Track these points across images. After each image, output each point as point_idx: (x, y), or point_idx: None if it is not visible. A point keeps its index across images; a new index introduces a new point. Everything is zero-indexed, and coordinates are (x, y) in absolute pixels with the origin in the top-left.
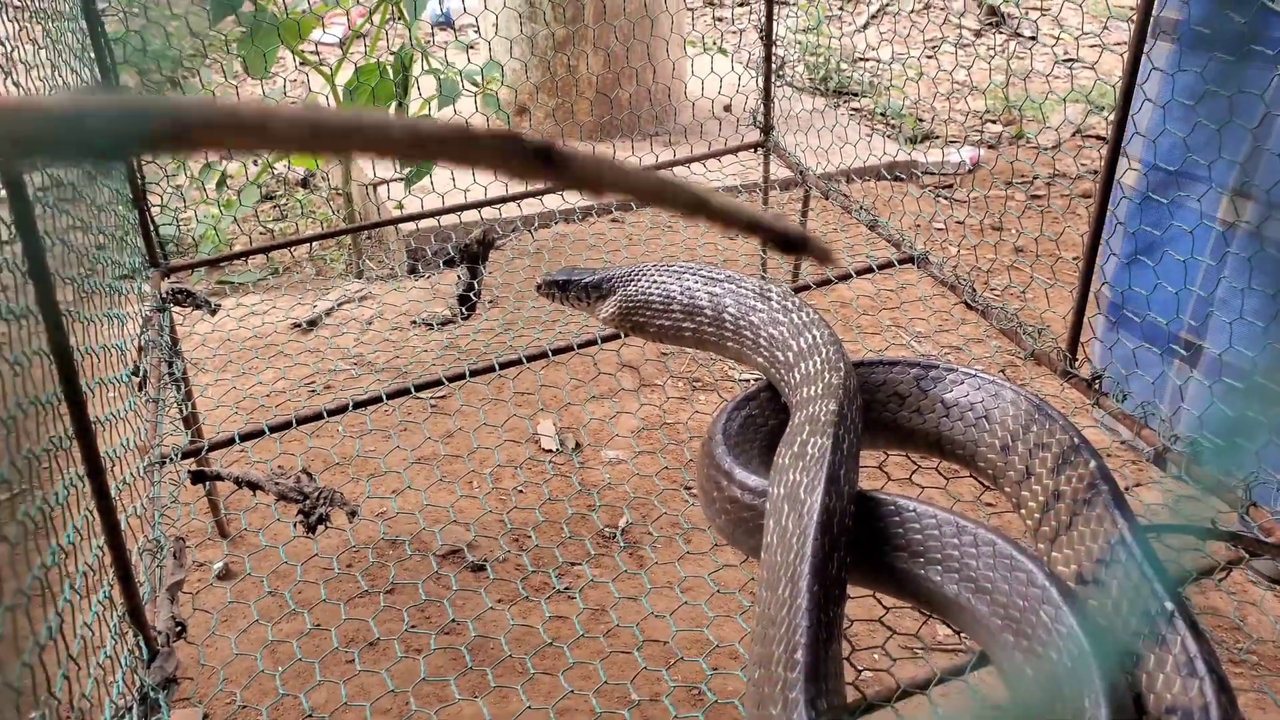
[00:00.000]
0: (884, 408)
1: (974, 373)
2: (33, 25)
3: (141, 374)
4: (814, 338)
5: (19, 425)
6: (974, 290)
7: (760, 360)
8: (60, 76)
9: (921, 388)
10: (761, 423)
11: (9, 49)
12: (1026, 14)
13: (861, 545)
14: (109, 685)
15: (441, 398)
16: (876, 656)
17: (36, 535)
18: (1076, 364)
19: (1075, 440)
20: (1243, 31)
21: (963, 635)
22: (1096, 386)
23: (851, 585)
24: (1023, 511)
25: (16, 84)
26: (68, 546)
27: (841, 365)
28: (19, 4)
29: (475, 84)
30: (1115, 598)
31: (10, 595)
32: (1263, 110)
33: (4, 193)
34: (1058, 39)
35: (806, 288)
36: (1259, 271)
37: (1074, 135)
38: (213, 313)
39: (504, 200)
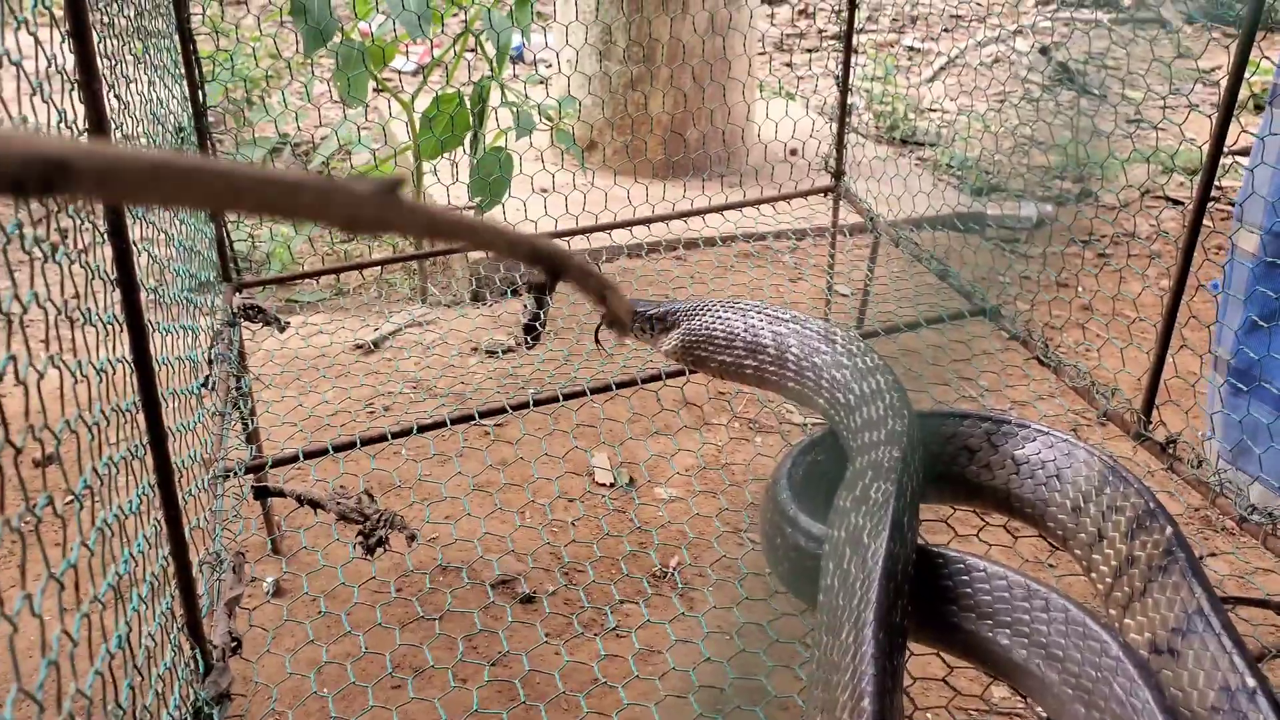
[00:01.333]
0: (953, 461)
1: (1046, 430)
2: (134, 41)
3: (211, 386)
4: (878, 383)
5: (100, 431)
6: (1045, 346)
7: (821, 402)
8: (155, 92)
9: (992, 443)
10: (827, 469)
11: (114, 63)
12: (1100, 72)
13: (929, 603)
14: (166, 698)
15: (501, 426)
16: (934, 717)
17: (111, 542)
18: (1150, 427)
19: (1151, 505)
20: None
21: (1028, 700)
22: (1171, 451)
23: (916, 643)
24: (1094, 575)
25: (118, 96)
26: (138, 555)
27: (905, 412)
28: (106, 21)
29: (549, 118)
30: (1192, 670)
31: (86, 602)
32: None
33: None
34: (1132, 100)
35: (874, 334)
36: None
37: (1144, 195)
38: (282, 330)
39: (573, 233)
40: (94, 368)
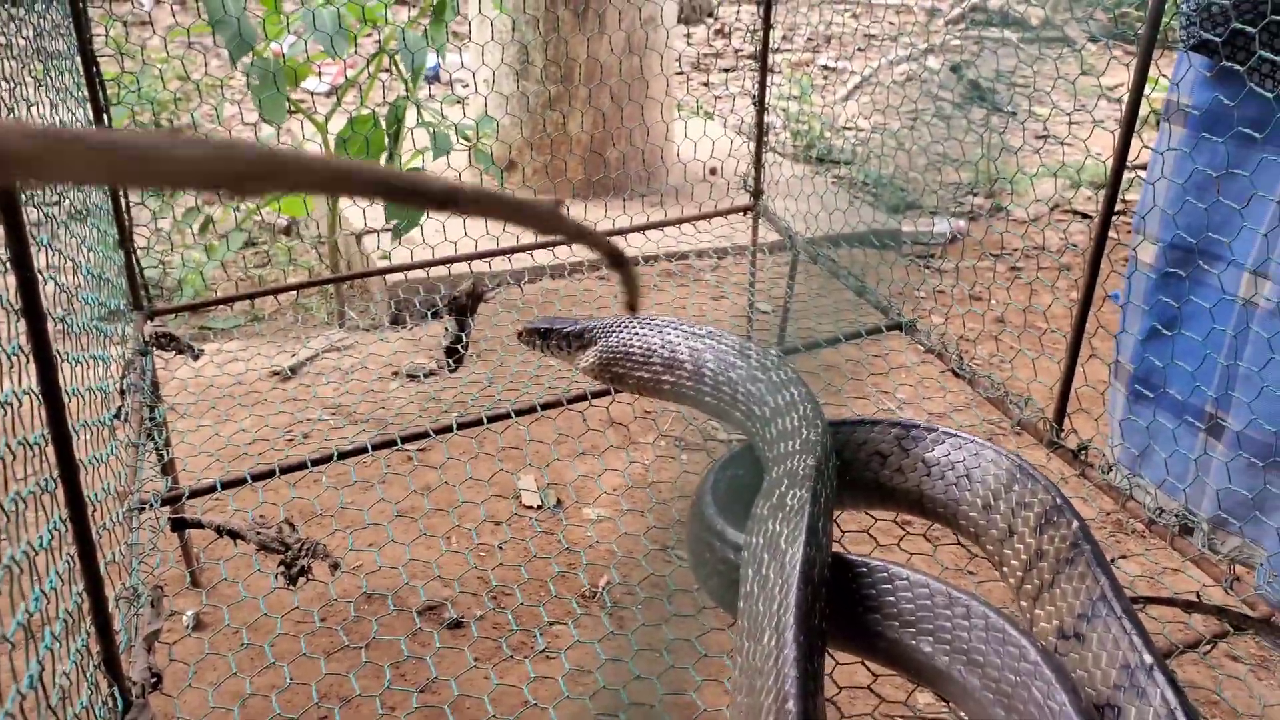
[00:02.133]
0: (865, 466)
1: (954, 432)
2: (33, 62)
3: (124, 417)
4: (792, 395)
5: (7, 466)
6: (960, 359)
7: (738, 415)
8: (57, 115)
9: (903, 447)
10: (749, 482)
11: (13, 85)
12: (1009, 90)
13: (853, 612)
14: None
15: (424, 450)
16: None
17: (20, 580)
18: (1062, 434)
19: (1058, 500)
20: (1251, 118)
21: (951, 706)
22: (1082, 457)
23: (841, 651)
24: (1005, 569)
25: (19, 120)
26: (49, 592)
27: (819, 422)
28: (4, 42)
29: (467, 138)
30: (1095, 651)
31: None
32: (1278, 192)
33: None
34: (1039, 115)
35: (795, 350)
36: (1278, 351)
37: (1053, 209)
38: (196, 358)
39: (493, 254)
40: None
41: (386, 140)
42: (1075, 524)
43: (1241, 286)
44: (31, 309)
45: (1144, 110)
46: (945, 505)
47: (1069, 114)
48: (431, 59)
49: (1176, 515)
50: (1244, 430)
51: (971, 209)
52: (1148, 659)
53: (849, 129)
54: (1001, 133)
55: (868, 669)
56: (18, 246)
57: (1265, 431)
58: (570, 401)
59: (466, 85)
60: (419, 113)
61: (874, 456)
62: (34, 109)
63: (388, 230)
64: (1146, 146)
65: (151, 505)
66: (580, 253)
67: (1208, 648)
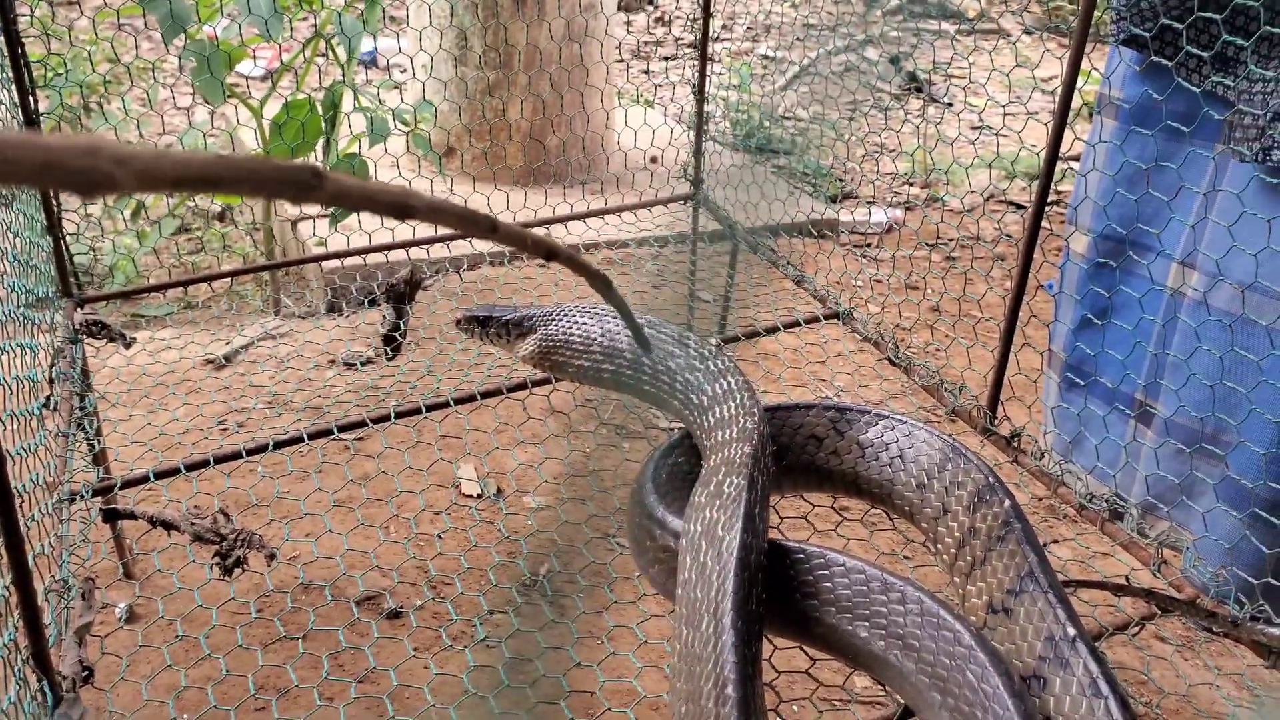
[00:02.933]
0: (801, 450)
1: (887, 414)
2: None
3: (53, 407)
4: (729, 384)
5: None
6: (896, 347)
7: (676, 404)
8: None
9: (837, 429)
10: (689, 470)
11: None
12: (945, 81)
13: (790, 598)
14: None
15: (362, 440)
16: (799, 708)
17: None
18: (996, 421)
19: (990, 479)
20: (1179, 112)
21: (888, 689)
22: (1015, 444)
23: (777, 637)
24: (939, 547)
25: None
26: None
27: (755, 410)
28: None
29: (405, 123)
30: (1022, 625)
31: None
32: (1204, 184)
33: None
34: (975, 106)
35: (735, 339)
36: (1205, 340)
37: (988, 200)
38: (128, 346)
39: (432, 241)
40: None
41: (324, 125)
42: (1007, 503)
43: (1170, 276)
44: None
45: (1076, 103)
46: (880, 486)
47: (1004, 106)
48: (368, 43)
49: (1107, 501)
50: (1172, 417)
51: (908, 199)
52: (1070, 631)
53: (788, 119)
54: (938, 124)
55: (806, 653)
56: None
57: (1192, 418)
58: (510, 390)
59: (404, 70)
60: (356, 98)
61: (810, 440)
62: None
63: (324, 216)
64: (1079, 139)
65: (82, 496)
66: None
67: (1136, 630)
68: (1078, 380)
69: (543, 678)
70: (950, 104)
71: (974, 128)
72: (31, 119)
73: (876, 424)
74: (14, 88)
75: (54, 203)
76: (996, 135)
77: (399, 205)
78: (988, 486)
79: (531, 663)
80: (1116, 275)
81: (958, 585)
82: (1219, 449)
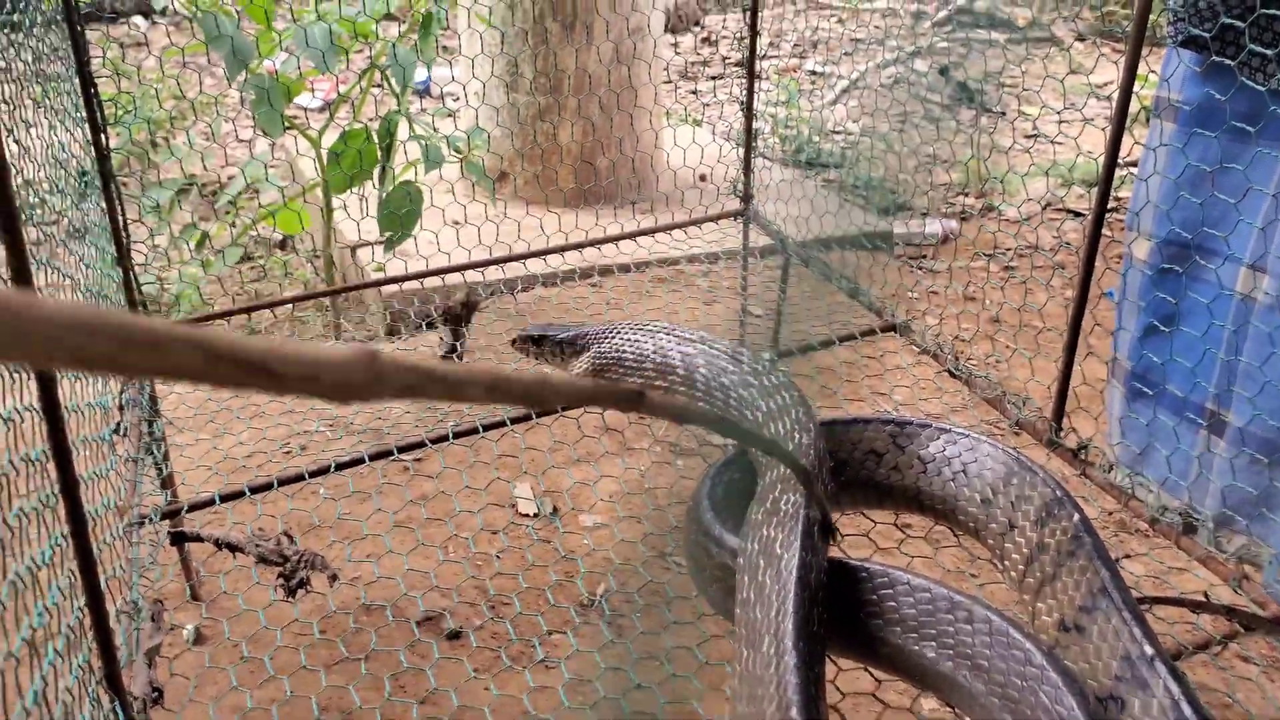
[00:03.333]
0: (860, 465)
1: (949, 427)
2: (32, 85)
3: (123, 432)
4: (783, 399)
5: (10, 482)
6: (956, 359)
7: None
8: (56, 136)
9: (898, 444)
10: (746, 486)
11: (13, 108)
12: (997, 90)
13: (855, 618)
14: None
15: (420, 460)
16: None
17: (24, 595)
18: (1061, 434)
19: (1058, 493)
20: (1243, 112)
21: (957, 711)
22: (1083, 457)
23: (841, 658)
24: (1005, 564)
25: (18, 141)
26: (52, 608)
27: (811, 426)
28: (3, 65)
29: (458, 150)
30: (1096, 643)
31: (0, 658)
32: (1273, 185)
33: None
34: (1029, 115)
35: (789, 353)
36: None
37: (1045, 208)
38: None
39: (486, 264)
40: (0, 418)
41: (379, 153)
42: (1076, 516)
43: (1239, 281)
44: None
45: (1134, 107)
46: (943, 501)
47: (1059, 113)
48: (422, 73)
49: (1180, 514)
50: (1246, 426)
51: (963, 209)
52: (1149, 650)
53: (838, 133)
54: (991, 133)
55: (871, 675)
56: (18, 264)
57: (1268, 427)
58: (565, 409)
59: (457, 99)
60: (411, 126)
61: (869, 455)
62: (33, 130)
63: (381, 242)
64: (1138, 143)
65: (151, 520)
66: (571, 260)
67: (1218, 649)
68: (1144, 389)
69: (602, 700)
70: (1003, 113)
71: (1028, 136)
72: (103, 155)
73: (938, 438)
74: (88, 125)
75: (124, 235)
76: (1052, 143)
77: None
78: (1055, 500)
79: (590, 684)
80: (1182, 281)
81: (1027, 603)
82: None
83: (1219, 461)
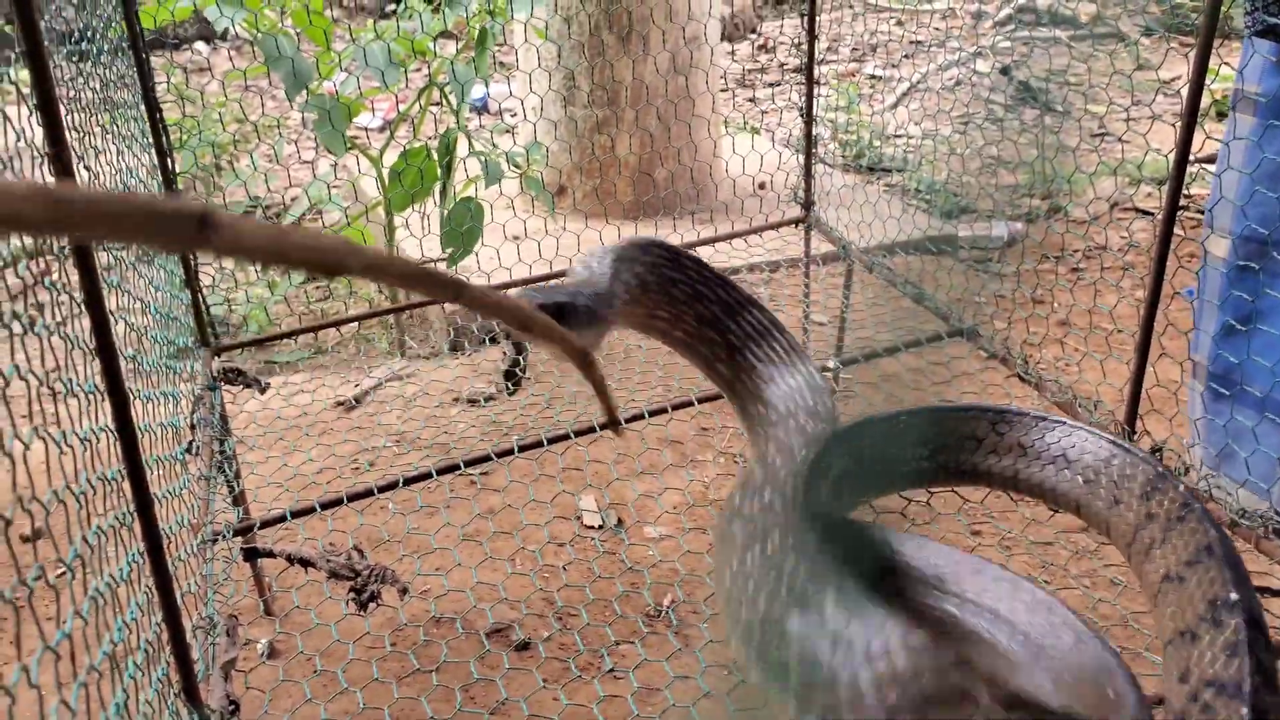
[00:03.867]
0: (959, 449)
1: (1045, 415)
2: (100, 112)
3: (195, 451)
4: (810, 427)
5: (89, 501)
6: (1025, 363)
7: (750, 409)
8: (124, 161)
9: (997, 430)
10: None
11: (82, 135)
12: (1062, 89)
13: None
14: None
15: (487, 474)
16: None
17: (104, 610)
18: (1136, 436)
19: (1159, 469)
20: None
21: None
22: (1158, 458)
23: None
24: (1113, 534)
25: (88, 167)
26: (131, 623)
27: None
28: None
29: (518, 165)
30: (1192, 590)
31: (83, 672)
32: None
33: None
34: (1095, 113)
35: (854, 360)
36: None
37: (1113, 208)
38: (262, 391)
39: (547, 279)
40: (78, 437)
41: (440, 171)
42: (1181, 487)
43: None
44: (105, 348)
45: (1205, 101)
46: (1041, 483)
47: (1126, 110)
48: (479, 90)
49: (1262, 516)
50: None
51: (1029, 211)
52: (1234, 596)
53: (899, 136)
54: (1056, 132)
55: None
56: (90, 288)
57: None
58: (629, 421)
59: (515, 114)
60: (470, 143)
61: (968, 440)
62: (102, 156)
63: (443, 260)
64: (1211, 138)
65: (224, 536)
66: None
67: None
68: (1223, 390)
69: (671, 708)
70: (1068, 111)
71: (1094, 134)
72: (169, 179)
73: (1036, 425)
74: (154, 150)
75: (192, 258)
76: (1120, 140)
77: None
78: (1158, 476)
79: (659, 693)
80: (1260, 278)
81: (1136, 564)
82: None
83: None
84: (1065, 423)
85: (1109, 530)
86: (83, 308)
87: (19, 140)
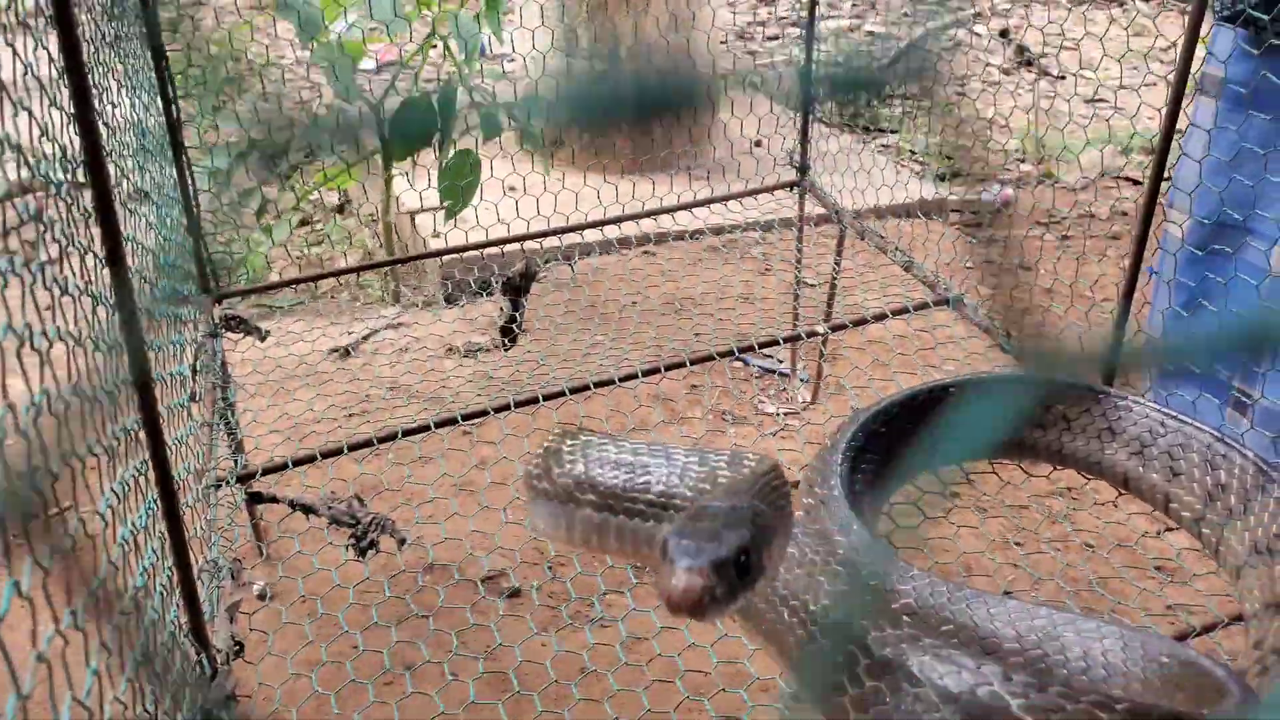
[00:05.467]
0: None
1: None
2: (114, 62)
3: (197, 398)
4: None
5: (115, 453)
6: (1008, 333)
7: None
8: (135, 114)
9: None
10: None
11: (100, 92)
12: (1057, 53)
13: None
14: (180, 701)
15: (481, 426)
16: None
17: (130, 556)
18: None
19: (1217, 437)
20: None
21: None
22: None
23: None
24: (1173, 507)
25: (106, 124)
26: (149, 567)
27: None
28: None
29: (515, 120)
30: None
31: (116, 615)
32: None
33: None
34: (1087, 79)
35: (843, 326)
36: None
37: (1102, 176)
38: (263, 339)
39: (544, 234)
40: (104, 391)
41: (439, 122)
42: (1250, 453)
43: (1274, 261)
44: (124, 302)
45: (1197, 69)
46: (1088, 456)
47: (1118, 77)
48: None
49: None
50: (1272, 406)
51: (1020, 176)
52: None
53: (895, 97)
54: (1051, 98)
55: None
56: (112, 244)
57: None
58: (622, 380)
59: (513, 60)
60: (470, 95)
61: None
62: (118, 110)
63: (440, 210)
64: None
65: (227, 483)
66: (626, 228)
67: None
68: (1172, 367)
69: (658, 656)
70: (1063, 77)
71: (1088, 101)
72: (174, 125)
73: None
74: (160, 97)
75: (194, 205)
76: (1114, 108)
77: None
78: (1219, 439)
79: (646, 641)
80: (1214, 260)
81: (1211, 536)
82: None
83: (1249, 440)
84: (1123, 395)
85: (1167, 503)
86: (101, 260)
87: (27, 74)
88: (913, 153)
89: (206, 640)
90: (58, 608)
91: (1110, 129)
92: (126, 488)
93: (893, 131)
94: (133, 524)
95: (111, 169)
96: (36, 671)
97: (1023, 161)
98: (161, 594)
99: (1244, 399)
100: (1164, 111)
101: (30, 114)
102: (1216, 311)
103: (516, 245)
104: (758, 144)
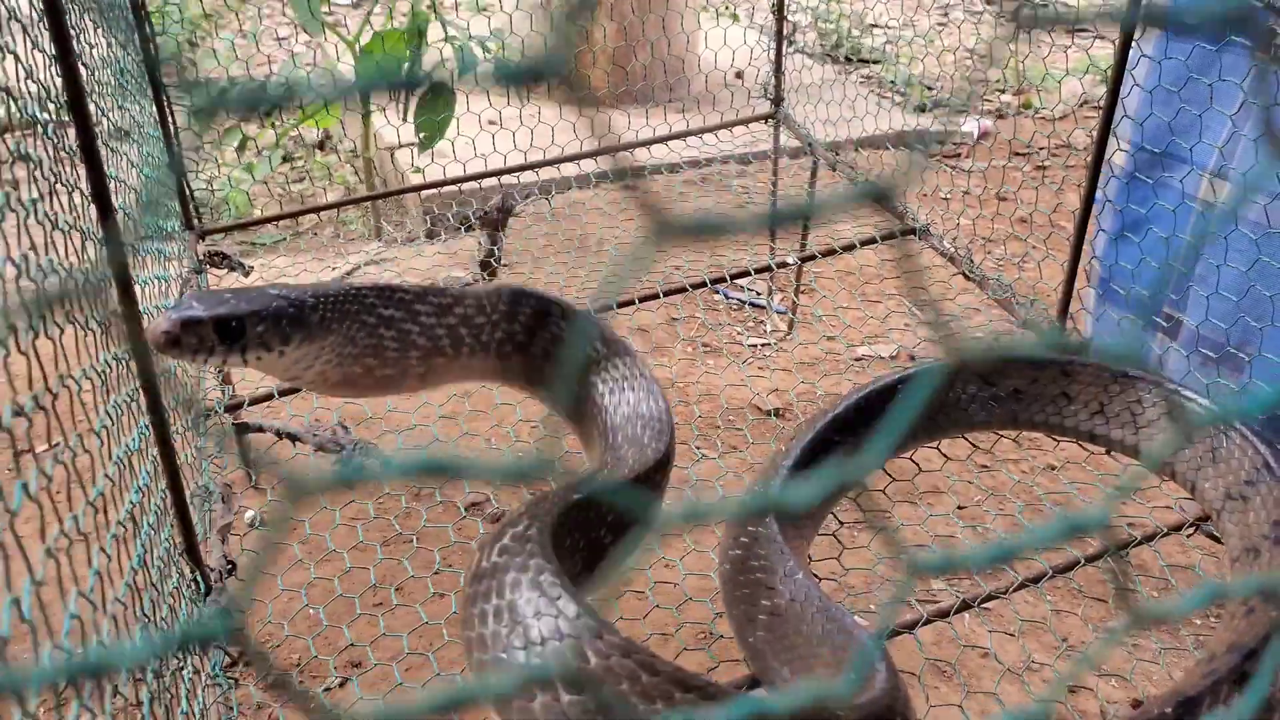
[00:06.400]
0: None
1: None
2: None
3: None
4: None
5: (107, 380)
6: (972, 262)
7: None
8: (114, 53)
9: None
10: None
11: (77, 33)
12: None
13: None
14: (176, 613)
15: None
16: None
17: (125, 475)
18: (1065, 334)
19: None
20: (1226, 21)
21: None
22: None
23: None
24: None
25: (84, 64)
26: (144, 487)
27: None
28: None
29: (489, 50)
30: (1257, 509)
31: (114, 525)
32: (1241, 97)
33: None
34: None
35: (813, 257)
36: (1233, 249)
37: (1082, 105)
38: (246, 274)
39: (522, 169)
40: (96, 322)
41: (409, 54)
42: (1252, 436)
43: (1201, 189)
44: (111, 235)
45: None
46: (1090, 429)
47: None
48: None
49: None
50: (1198, 328)
51: (1000, 107)
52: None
53: (878, 27)
54: (1031, 29)
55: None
56: (97, 181)
57: (1217, 329)
58: (598, 312)
59: None
60: (444, 28)
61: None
62: (95, 50)
63: (415, 143)
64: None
65: (216, 412)
66: (603, 163)
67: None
68: (1117, 290)
69: (631, 569)
70: (1045, 4)
71: (1068, 31)
72: (152, 64)
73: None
74: (137, 35)
75: (175, 143)
76: (1097, 38)
77: None
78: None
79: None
80: (1151, 188)
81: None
82: (1245, 357)
83: (1175, 360)
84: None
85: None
86: (89, 199)
87: (11, 19)
88: (893, 83)
89: (200, 559)
90: (61, 512)
91: (1090, 58)
92: (120, 410)
93: (875, 62)
94: (126, 445)
95: (91, 108)
96: (46, 566)
97: (1003, 92)
98: (157, 513)
99: (1178, 322)
100: (1116, 43)
101: (16, 57)
102: (1138, 242)
103: (495, 180)
104: (738, 75)
